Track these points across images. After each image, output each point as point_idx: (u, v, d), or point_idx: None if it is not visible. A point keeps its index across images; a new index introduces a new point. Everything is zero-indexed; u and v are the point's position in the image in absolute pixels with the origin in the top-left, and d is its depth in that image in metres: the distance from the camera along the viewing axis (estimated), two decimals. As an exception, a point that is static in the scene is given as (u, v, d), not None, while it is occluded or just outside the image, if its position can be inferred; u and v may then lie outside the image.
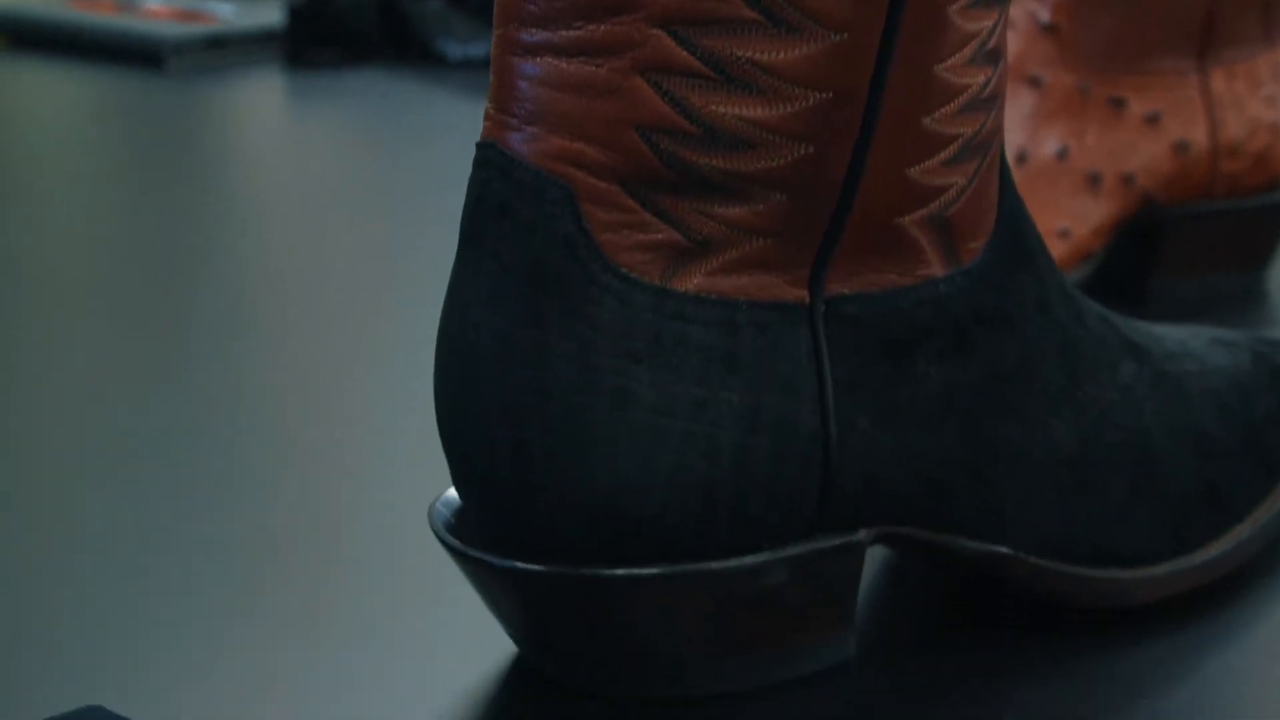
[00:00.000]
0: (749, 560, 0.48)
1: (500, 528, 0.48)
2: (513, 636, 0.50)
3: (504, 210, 0.47)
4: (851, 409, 0.49)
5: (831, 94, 0.46)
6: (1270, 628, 0.53)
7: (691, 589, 0.48)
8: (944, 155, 0.49)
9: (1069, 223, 0.79)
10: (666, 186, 0.46)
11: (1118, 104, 0.81)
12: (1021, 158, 0.80)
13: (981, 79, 0.49)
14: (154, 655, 0.52)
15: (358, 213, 0.99)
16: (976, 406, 0.51)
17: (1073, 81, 0.80)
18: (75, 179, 1.08)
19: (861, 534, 0.50)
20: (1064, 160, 0.80)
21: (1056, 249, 0.79)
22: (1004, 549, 0.52)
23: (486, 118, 0.48)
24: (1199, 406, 0.56)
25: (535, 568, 0.48)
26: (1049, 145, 0.80)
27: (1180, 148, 0.81)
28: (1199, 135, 0.82)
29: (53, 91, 1.33)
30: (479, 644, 0.52)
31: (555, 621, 0.49)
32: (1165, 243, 0.83)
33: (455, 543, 0.49)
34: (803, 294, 0.48)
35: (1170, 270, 0.83)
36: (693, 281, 0.47)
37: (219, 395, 0.72)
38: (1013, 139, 0.80)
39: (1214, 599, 0.55)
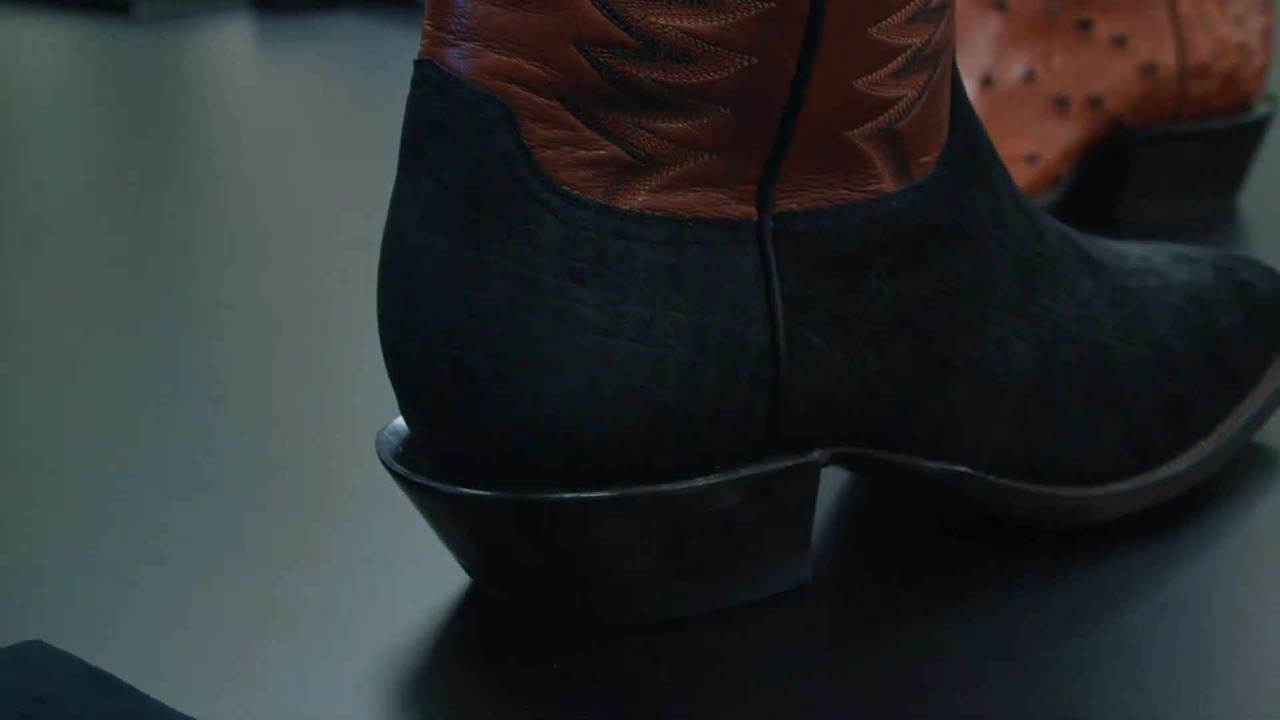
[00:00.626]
0: (699, 482, 0.47)
1: (446, 453, 0.47)
2: (464, 566, 0.50)
3: (441, 128, 0.46)
4: (802, 327, 0.48)
5: (774, 3, 0.45)
6: (1232, 544, 0.53)
7: (642, 512, 0.47)
8: (892, 67, 0.48)
9: (1036, 146, 0.78)
10: (607, 102, 0.45)
11: (1084, 26, 0.80)
12: (988, 81, 0.79)
13: (930, -13, 0.48)
14: (94, 588, 0.51)
15: (329, 155, 0.98)
16: (931, 323, 0.50)
17: (1039, 4, 0.79)
18: (45, 127, 1.07)
19: (815, 454, 0.49)
20: (1030, 83, 0.79)
21: (1024, 173, 0.78)
22: (961, 468, 0.51)
23: (424, 35, 0.47)
24: (1161, 321, 0.55)
25: (482, 493, 0.47)
26: (1015, 68, 0.79)
27: (1148, 69, 0.80)
28: (1167, 56, 0.81)
29: (21, 40, 1.31)
30: (430, 575, 0.52)
31: (504, 549, 0.48)
32: (1134, 166, 0.82)
33: (402, 469, 0.48)
34: (750, 210, 0.47)
35: (1140, 193, 0.83)
36: (637, 199, 0.46)
37: (178, 329, 0.71)
38: (979, 62, 0.79)
39: (1176, 516, 0.55)
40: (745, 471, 0.48)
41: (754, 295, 0.47)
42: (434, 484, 0.47)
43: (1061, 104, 0.79)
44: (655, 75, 0.45)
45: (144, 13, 1.36)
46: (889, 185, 0.49)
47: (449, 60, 0.46)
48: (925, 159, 0.50)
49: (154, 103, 1.11)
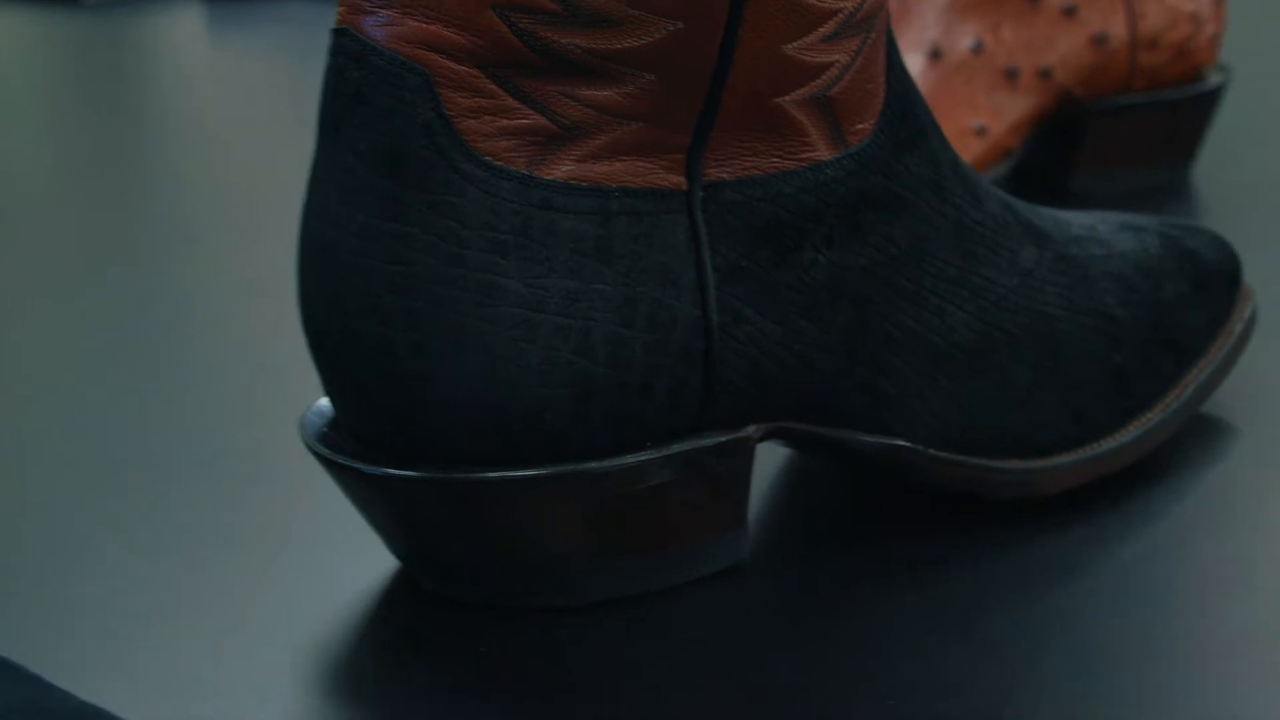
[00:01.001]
0: (631, 459, 0.46)
1: (369, 432, 0.46)
2: (392, 549, 0.49)
3: (359, 99, 0.45)
4: (735, 298, 0.47)
5: (698, -34, 0.44)
6: (1179, 516, 0.52)
7: (572, 491, 0.46)
8: (823, 31, 0.46)
9: (986, 119, 0.77)
10: (530, 69, 0.44)
11: (1033, -4, 0.79)
12: (936, 53, 0.78)
13: (860, -50, 0.47)
14: (15, 572, 0.50)
15: (281, 141, 0.97)
16: (868, 293, 0.49)
17: (986, -26, 0.78)
18: (-19, 112, 1.05)
19: (750, 430, 0.48)
20: (980, 55, 0.78)
21: (973, 147, 0.77)
22: (901, 442, 0.50)
23: (341, 2, 0.46)
24: (1104, 290, 0.54)
25: (407, 474, 0.46)
26: (964, 40, 0.78)
27: (1099, 40, 0.79)
28: (1118, 27, 0.80)
29: (-35, 28, 1.30)
30: (358, 558, 0.51)
31: (431, 530, 0.47)
32: (1086, 138, 0.81)
33: (324, 451, 0.47)
34: (680, 180, 0.46)
35: (1092, 166, 0.82)
36: (562, 169, 0.45)
37: (126, 315, 0.70)
38: (927, 35, 0.78)
39: (1125, 487, 0.54)
40: (678, 448, 0.47)
41: (684, 266, 0.46)
42: (357, 465, 0.46)
43: (1011, 76, 0.78)
44: (577, 41, 0.44)
45: (93, 0, 1.35)
46: (823, 153, 0.48)
47: (366, 28, 0.45)
48: (860, 126, 0.49)
49: (104, 91, 1.09)
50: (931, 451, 0.50)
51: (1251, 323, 0.59)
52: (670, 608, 0.48)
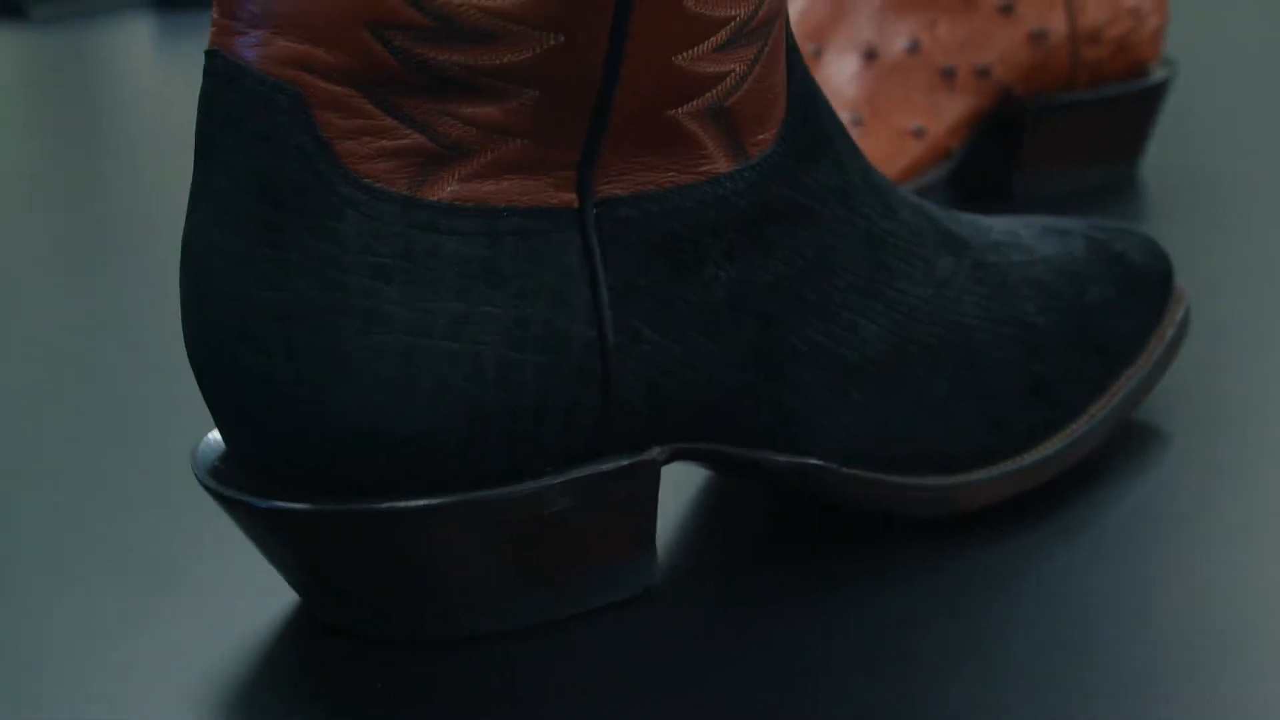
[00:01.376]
0: (528, 486, 0.45)
1: (258, 462, 0.45)
2: (289, 582, 0.47)
3: (232, 123, 0.43)
4: (631, 318, 0.45)
5: (578, -23, 0.43)
6: (1110, 526, 0.50)
7: (468, 519, 0.44)
8: (714, 40, 0.45)
9: (923, 120, 0.76)
10: (407, 88, 0.43)
11: (969, -6, 0.77)
12: (871, 54, 0.76)
13: (751, -45, 0.45)
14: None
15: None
16: (774, 308, 0.47)
17: (921, -28, 0.77)
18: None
19: (654, 452, 0.46)
20: (916, 55, 0.76)
21: (911, 149, 0.75)
22: (813, 460, 0.48)
23: (213, 23, 0.44)
24: (1024, 297, 0.53)
25: (297, 506, 0.44)
26: (899, 40, 0.76)
27: (1037, 36, 0.78)
28: (1056, 22, 0.78)
29: (-89, 46, 1.29)
30: (256, 592, 0.49)
31: (325, 562, 0.45)
32: (1028, 137, 0.79)
33: (214, 485, 0.46)
34: (571, 197, 0.45)
35: (1035, 165, 0.80)
36: (446, 189, 0.44)
37: (65, 330, 0.69)
38: (861, 35, 0.76)
39: (1054, 497, 0.52)
40: (577, 473, 0.45)
41: (577, 286, 0.45)
42: (248, 498, 0.45)
43: (948, 75, 0.77)
44: (455, 57, 0.43)
45: (40, 14, 1.33)
46: (722, 165, 0.47)
47: (238, 49, 0.43)
48: (761, 137, 0.47)
49: (54, 105, 1.08)
50: (845, 469, 0.49)
51: (1184, 326, 0.57)
52: (574, 635, 0.46)
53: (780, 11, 0.47)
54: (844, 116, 0.75)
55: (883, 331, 0.49)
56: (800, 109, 0.48)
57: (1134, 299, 0.56)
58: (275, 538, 0.45)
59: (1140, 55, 0.80)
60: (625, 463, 0.46)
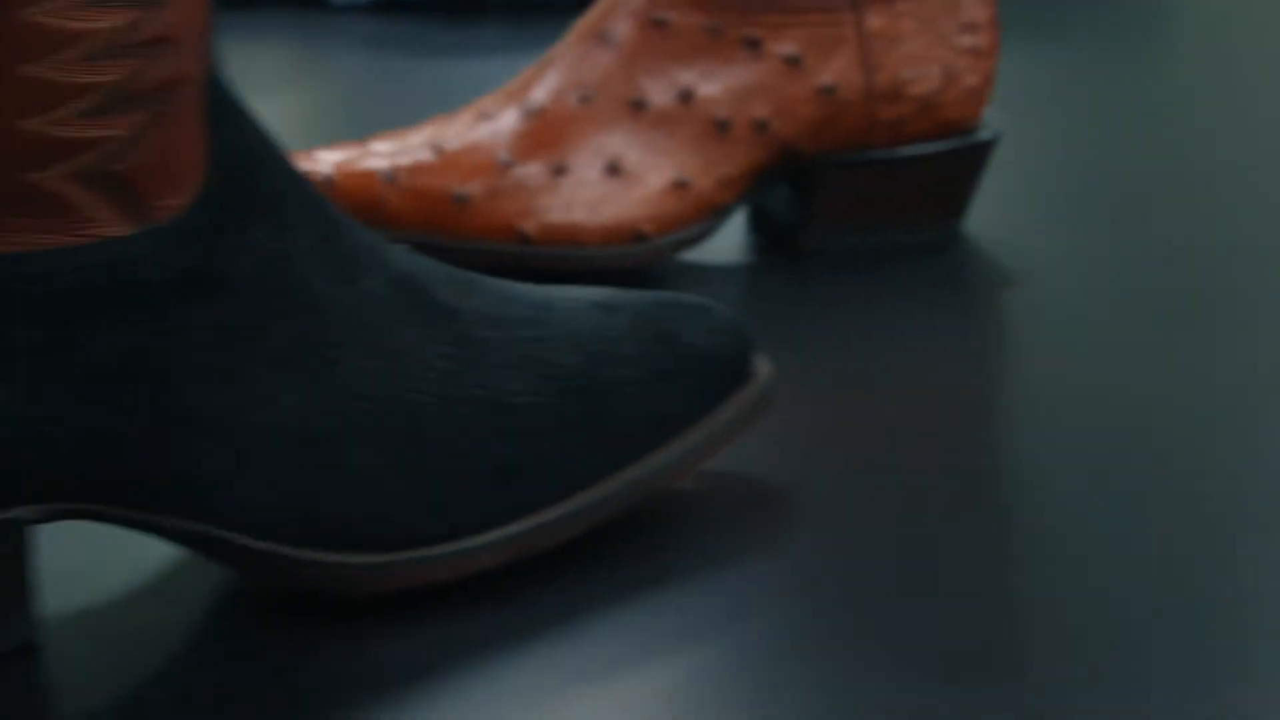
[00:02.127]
0: None
1: None
2: None
3: None
4: (-11, 378, 0.46)
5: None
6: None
7: None
8: (77, 106, 0.45)
9: (688, 174, 0.74)
10: None
11: (752, 44, 0.75)
12: (639, 104, 0.75)
13: (115, 22, 0.45)
14: None
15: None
16: (175, 373, 0.47)
17: (702, 21, 0.75)
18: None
19: (16, 511, 0.47)
20: (686, 105, 0.75)
21: (672, 202, 0.74)
22: (210, 528, 0.48)
23: None
24: (508, 377, 0.51)
25: None
26: (668, 91, 0.75)
27: (825, 91, 0.76)
28: (851, 77, 0.76)
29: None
30: None
31: None
32: (819, 192, 0.77)
33: None
34: (-70, 255, 0.45)
35: (829, 222, 0.78)
36: None
37: None
38: (634, 86, 0.75)
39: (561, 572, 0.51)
40: (-72, 529, 0.46)
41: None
42: None
43: (722, 127, 0.75)
44: None
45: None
46: (118, 229, 0.47)
47: None
48: (170, 201, 0.47)
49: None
50: (250, 541, 0.48)
51: (755, 410, 0.55)
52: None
53: (186, 78, 0.47)
54: (599, 165, 0.73)
55: (307, 402, 0.49)
56: (230, 174, 0.48)
57: (675, 383, 0.54)
58: None
59: (948, 116, 0.77)
60: (-21, 521, 0.46)
